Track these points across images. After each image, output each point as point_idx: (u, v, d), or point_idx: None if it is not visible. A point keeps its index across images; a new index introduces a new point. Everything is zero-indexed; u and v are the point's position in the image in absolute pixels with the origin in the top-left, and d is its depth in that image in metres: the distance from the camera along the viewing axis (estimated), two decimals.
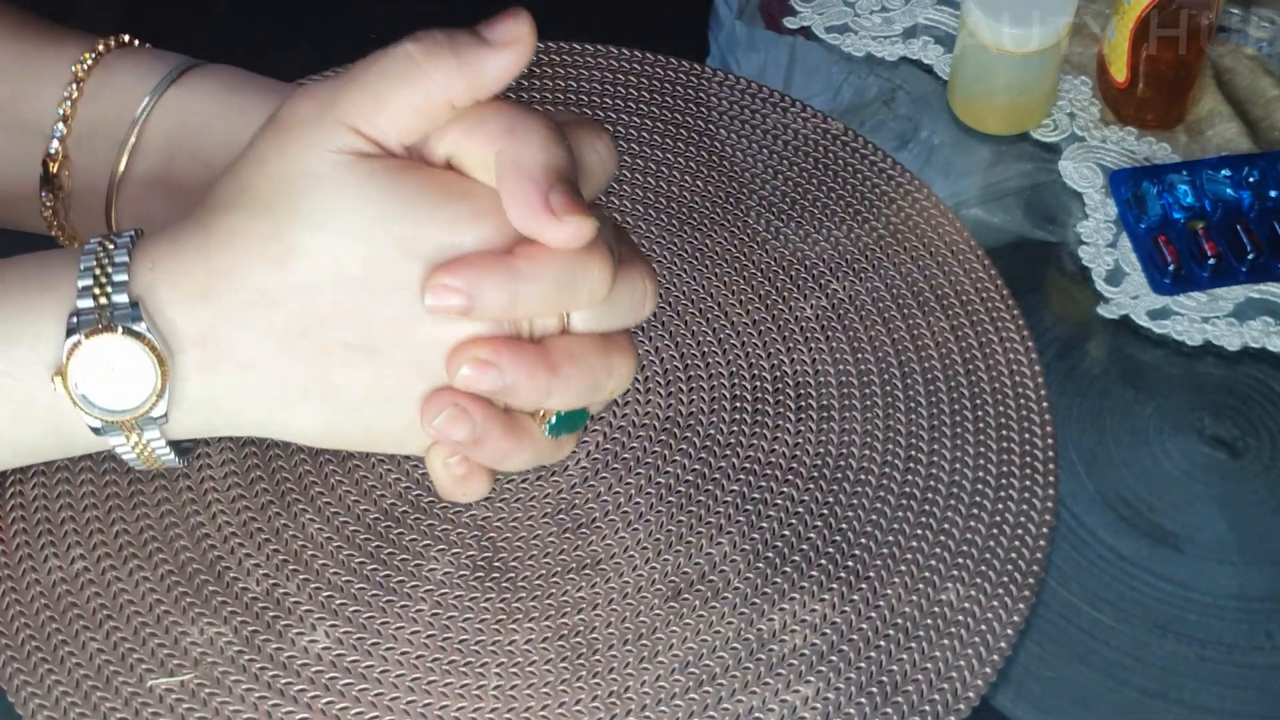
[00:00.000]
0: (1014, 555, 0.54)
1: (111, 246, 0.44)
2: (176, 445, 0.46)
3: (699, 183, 0.65)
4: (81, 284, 0.43)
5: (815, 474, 0.56)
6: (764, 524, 0.54)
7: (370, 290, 0.43)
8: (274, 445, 0.56)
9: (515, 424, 0.45)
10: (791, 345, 0.59)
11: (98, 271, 0.43)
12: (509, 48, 0.44)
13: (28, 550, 0.53)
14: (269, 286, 0.43)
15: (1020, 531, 0.54)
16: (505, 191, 0.42)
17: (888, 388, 0.58)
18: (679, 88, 0.69)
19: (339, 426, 0.45)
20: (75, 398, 0.43)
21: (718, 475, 0.55)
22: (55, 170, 0.52)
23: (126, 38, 0.54)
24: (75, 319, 0.43)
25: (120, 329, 0.43)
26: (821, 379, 0.58)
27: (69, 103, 0.52)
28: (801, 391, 0.58)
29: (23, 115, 0.52)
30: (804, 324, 0.60)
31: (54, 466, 0.54)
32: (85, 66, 0.52)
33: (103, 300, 0.43)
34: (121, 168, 0.51)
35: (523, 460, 0.46)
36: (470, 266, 0.42)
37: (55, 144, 0.52)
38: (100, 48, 0.53)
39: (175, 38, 0.74)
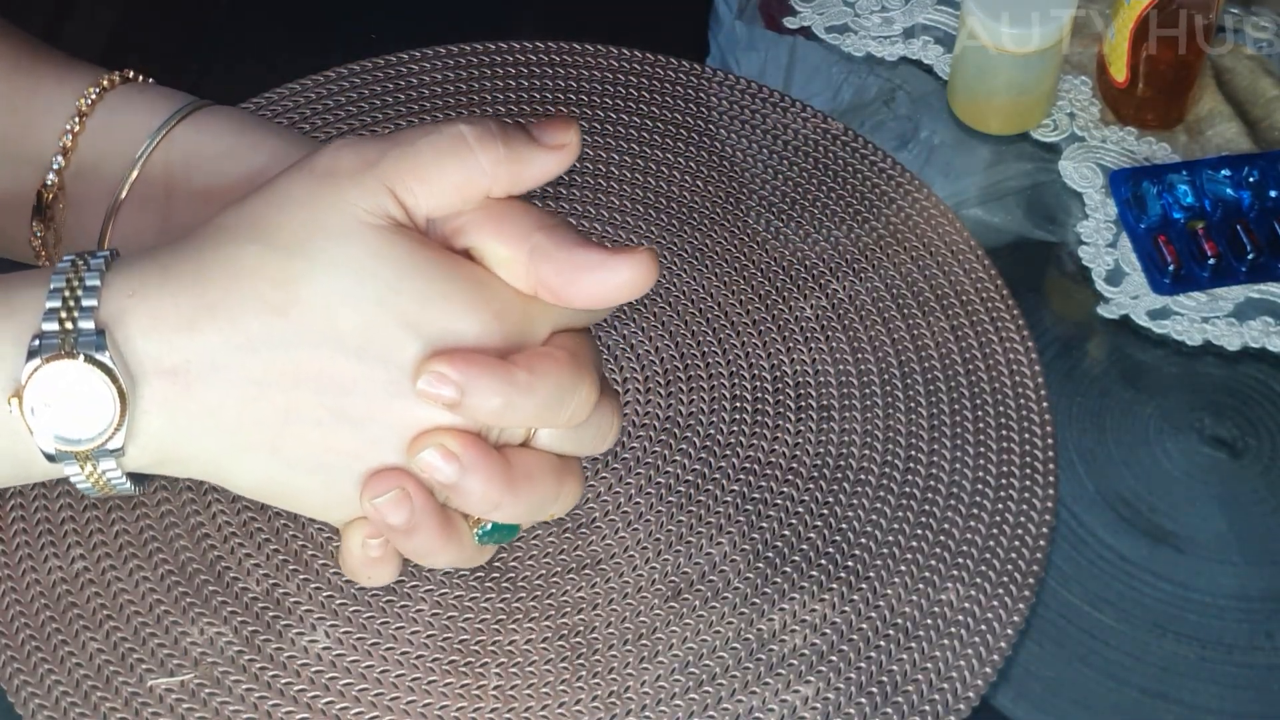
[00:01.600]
0: (1014, 555, 0.54)
1: (84, 267, 0.43)
2: (133, 474, 0.45)
3: (699, 183, 0.65)
4: (49, 305, 0.42)
5: (815, 474, 0.56)
6: (764, 524, 0.54)
7: (361, 358, 0.43)
8: None
9: (450, 523, 0.46)
10: (791, 345, 0.59)
11: (66, 293, 0.42)
12: (556, 151, 0.45)
13: (28, 550, 0.53)
14: (258, 331, 0.42)
15: (1020, 531, 0.54)
16: (561, 261, 0.44)
17: (888, 388, 0.58)
18: (679, 88, 0.69)
19: (276, 485, 0.45)
20: (30, 423, 0.42)
21: (718, 475, 0.56)
22: (49, 201, 0.52)
23: (132, 73, 0.53)
24: (38, 341, 0.42)
25: (82, 356, 0.41)
26: (821, 379, 0.58)
27: (70, 136, 0.51)
28: (801, 391, 0.58)
29: (23, 147, 0.52)
30: (804, 324, 0.60)
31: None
32: (89, 101, 0.52)
33: (68, 325, 0.42)
34: (120, 199, 0.51)
35: (444, 561, 0.47)
36: (471, 363, 0.43)
37: (52, 176, 0.51)
38: (105, 82, 0.52)
39: (174, 39, 0.74)
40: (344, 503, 0.45)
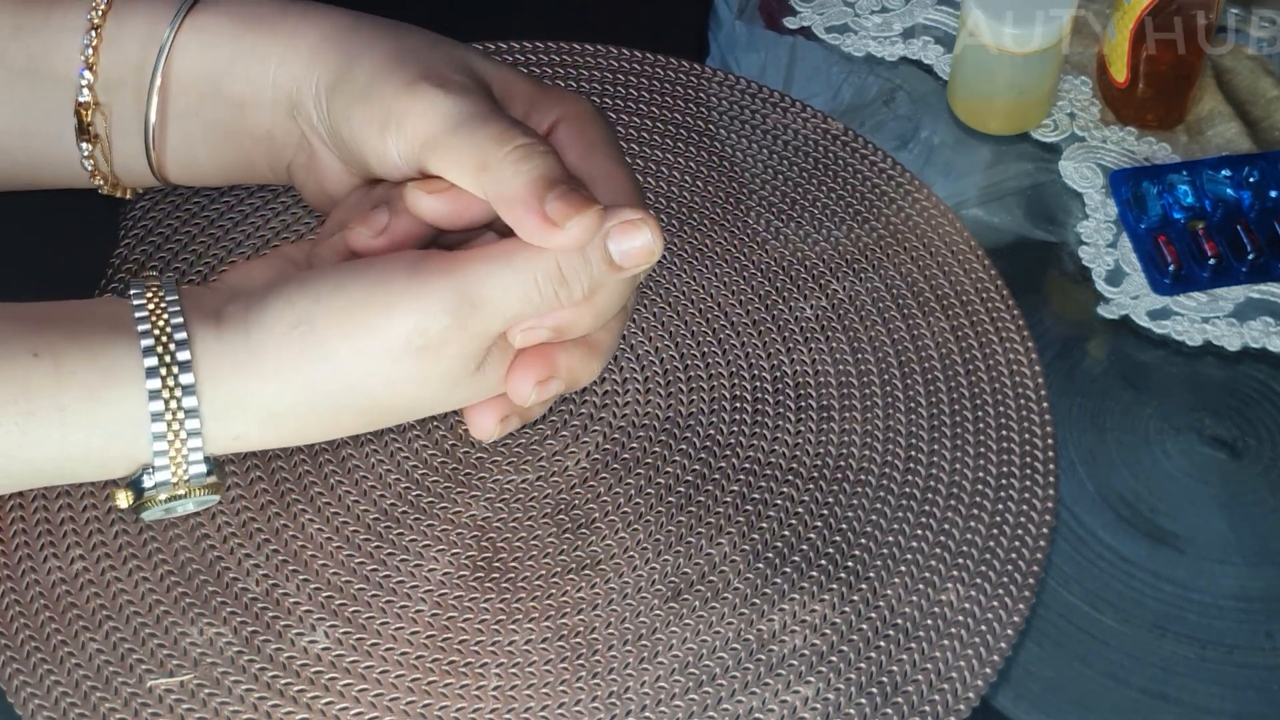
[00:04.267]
0: (1014, 555, 0.54)
1: (169, 356, 0.45)
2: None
3: (699, 183, 0.65)
4: (152, 409, 0.44)
5: (815, 474, 0.56)
6: (764, 524, 0.54)
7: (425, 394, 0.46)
8: None
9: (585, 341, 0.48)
10: (791, 345, 0.59)
11: (166, 395, 0.45)
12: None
13: (27, 551, 0.53)
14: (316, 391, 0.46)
15: (1020, 531, 0.54)
16: (510, 223, 0.45)
17: (888, 388, 0.58)
18: (679, 88, 0.69)
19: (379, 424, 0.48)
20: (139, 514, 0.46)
21: (718, 475, 0.55)
22: (89, 119, 0.52)
23: None
24: (150, 470, 0.45)
25: (194, 491, 0.46)
26: (821, 379, 0.58)
27: (91, 50, 0.52)
28: (801, 391, 0.58)
29: (51, 68, 0.52)
30: (804, 324, 0.60)
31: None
32: (100, 12, 0.52)
33: (178, 459, 0.45)
34: (153, 115, 0.51)
35: (595, 370, 0.49)
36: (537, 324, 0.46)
37: (85, 93, 0.52)
38: None
39: None
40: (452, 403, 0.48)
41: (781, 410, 0.57)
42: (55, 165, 0.53)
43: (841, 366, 0.59)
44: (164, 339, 0.44)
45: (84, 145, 0.52)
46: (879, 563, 0.53)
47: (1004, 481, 0.56)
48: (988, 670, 0.51)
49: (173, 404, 0.44)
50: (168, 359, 0.44)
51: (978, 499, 0.55)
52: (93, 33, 0.51)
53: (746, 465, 0.56)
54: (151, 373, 0.44)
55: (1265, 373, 0.60)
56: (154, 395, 0.44)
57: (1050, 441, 0.57)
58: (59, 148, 0.52)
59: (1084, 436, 0.58)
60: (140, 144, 0.52)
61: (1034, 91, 0.67)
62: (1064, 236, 0.65)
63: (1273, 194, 0.64)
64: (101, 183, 0.53)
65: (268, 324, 0.45)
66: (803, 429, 0.57)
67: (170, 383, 0.44)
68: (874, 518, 0.55)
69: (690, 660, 0.51)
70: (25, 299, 0.46)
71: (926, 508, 0.55)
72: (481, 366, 0.46)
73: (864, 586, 0.53)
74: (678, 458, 0.56)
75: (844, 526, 0.54)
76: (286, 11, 0.51)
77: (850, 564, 0.53)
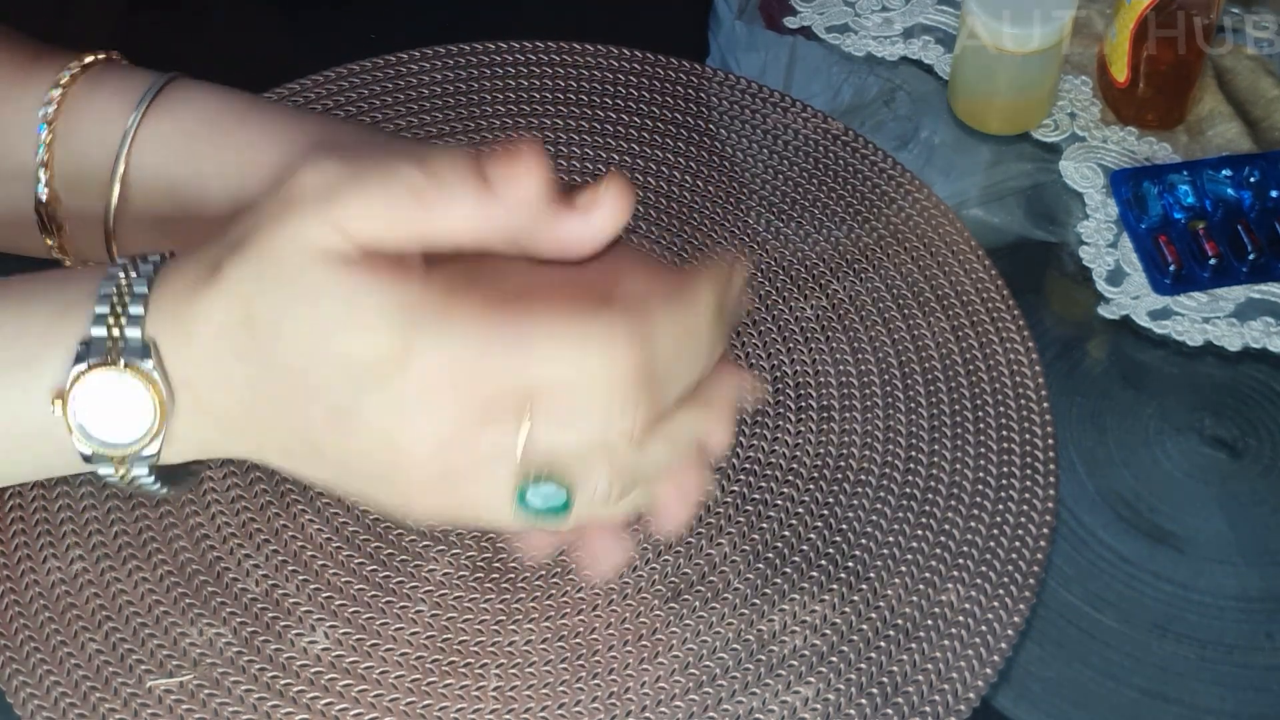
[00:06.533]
0: (1014, 555, 0.54)
1: (134, 275, 0.43)
2: (168, 475, 0.46)
3: (699, 183, 0.65)
4: (98, 310, 0.42)
5: (815, 474, 0.56)
6: (764, 524, 0.54)
7: (308, 391, 0.42)
8: None
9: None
10: (791, 345, 0.59)
11: (115, 300, 0.42)
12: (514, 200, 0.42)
13: (26, 551, 0.53)
14: (237, 343, 0.42)
15: (1020, 532, 0.54)
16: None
17: (888, 388, 0.58)
18: (679, 88, 0.69)
19: (351, 488, 0.44)
20: (70, 423, 0.43)
21: (718, 475, 0.55)
22: (49, 215, 0.52)
23: (89, 59, 0.52)
24: (85, 346, 0.42)
25: (125, 365, 0.42)
26: (821, 379, 0.58)
27: (44, 148, 0.51)
28: (801, 391, 0.58)
29: (7, 163, 0.52)
30: (804, 324, 0.60)
31: None
32: (53, 106, 0.51)
33: (115, 332, 0.42)
34: (114, 204, 0.51)
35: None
36: None
37: (43, 189, 0.51)
38: (64, 79, 0.51)
39: (175, 37, 0.74)
40: (404, 502, 0.44)
41: (781, 410, 0.57)
42: (22, 240, 0.53)
43: (841, 366, 0.59)
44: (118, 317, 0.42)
45: (48, 240, 0.52)
46: (879, 563, 0.53)
47: (1004, 481, 0.56)
48: (988, 670, 0.51)
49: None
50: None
51: (978, 499, 0.55)
52: (46, 128, 0.51)
53: (746, 465, 0.56)
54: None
55: (1266, 373, 0.60)
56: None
57: (1050, 441, 0.57)
58: (23, 231, 0.52)
59: (1084, 436, 0.58)
60: (100, 235, 0.51)
61: (1034, 91, 0.67)
62: (1064, 236, 0.65)
63: (1273, 194, 0.64)
64: (68, 261, 0.53)
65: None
66: (803, 429, 0.57)
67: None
68: (874, 518, 0.54)
69: (690, 661, 0.51)
70: None
71: (926, 508, 0.55)
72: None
73: (864, 587, 0.53)
74: None
75: (844, 527, 0.54)
76: (246, 120, 0.50)
77: (850, 564, 0.53)
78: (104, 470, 0.44)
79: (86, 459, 0.44)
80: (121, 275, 0.43)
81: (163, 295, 0.43)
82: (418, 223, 0.41)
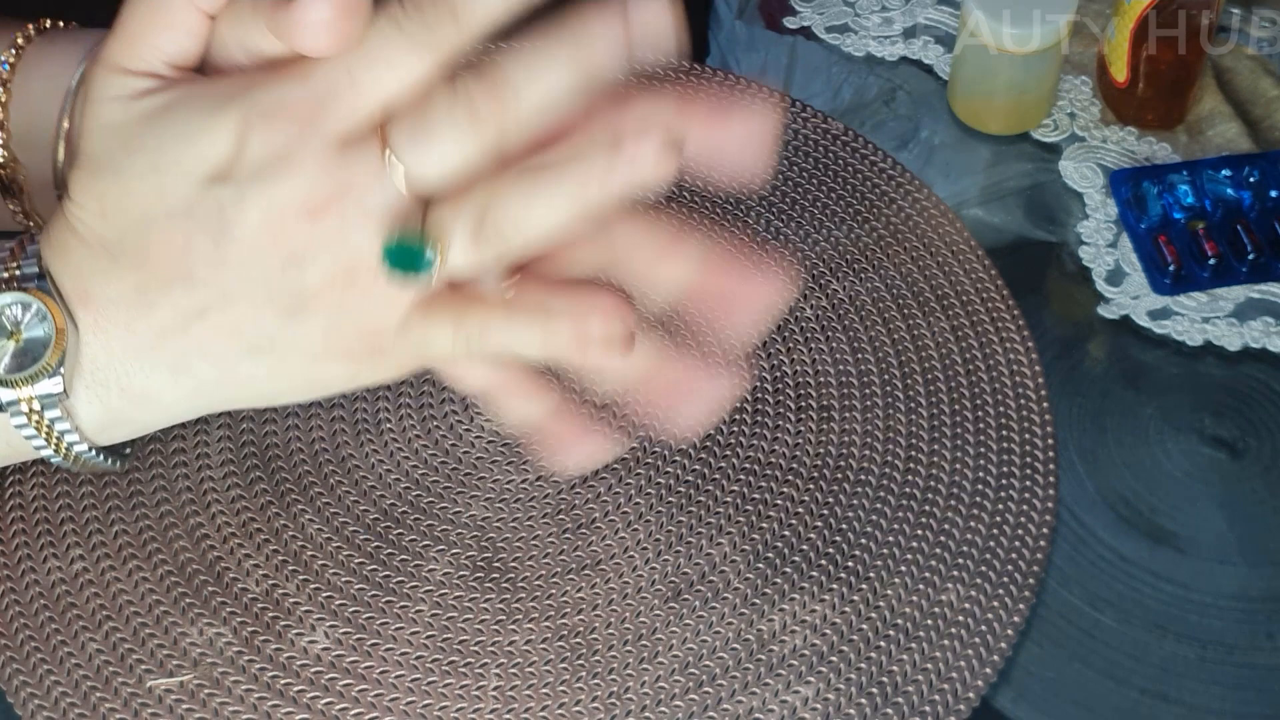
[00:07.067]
0: (1014, 555, 0.54)
1: (36, 215, 0.44)
2: (111, 449, 0.46)
3: (699, 182, 0.65)
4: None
5: (815, 474, 0.56)
6: (764, 524, 0.54)
7: (190, 217, 0.41)
8: (273, 445, 0.56)
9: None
10: (791, 345, 0.59)
11: (14, 246, 0.43)
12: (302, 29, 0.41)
13: (27, 551, 0.53)
14: (104, 238, 0.42)
15: (1020, 531, 0.54)
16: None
17: (888, 388, 0.58)
18: (679, 88, 0.69)
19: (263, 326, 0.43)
20: None
21: (718, 475, 0.55)
22: (8, 177, 0.52)
23: (47, 23, 0.53)
24: None
25: (18, 284, 0.42)
26: (821, 379, 0.58)
27: (0, 108, 0.51)
28: (801, 391, 0.58)
29: None
30: (804, 324, 0.60)
31: (54, 466, 0.54)
32: (7, 66, 0.51)
33: (14, 269, 0.43)
34: (60, 160, 0.51)
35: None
36: None
37: (1, 154, 0.52)
38: (19, 40, 0.52)
39: None
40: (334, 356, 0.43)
41: (781, 410, 0.57)
42: None
43: (841, 366, 0.59)
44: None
45: (11, 204, 0.52)
46: (879, 563, 0.53)
47: (1004, 481, 0.56)
48: (988, 670, 0.51)
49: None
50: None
51: (978, 499, 0.55)
52: (1, 90, 0.51)
53: (746, 465, 0.56)
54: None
55: (1266, 373, 0.60)
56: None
57: (1050, 441, 0.57)
58: None
59: (1084, 436, 0.58)
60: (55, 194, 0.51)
61: (1034, 91, 0.67)
62: (1064, 236, 0.65)
63: (1273, 194, 0.64)
64: (34, 227, 0.53)
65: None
66: (803, 429, 0.57)
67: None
68: (874, 518, 0.54)
69: (690, 660, 0.51)
70: None
71: (926, 508, 0.55)
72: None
73: (864, 587, 0.53)
74: (678, 458, 0.56)
75: (844, 526, 0.54)
76: None
77: (850, 564, 0.53)
78: (17, 423, 0.44)
79: None
80: (23, 234, 0.44)
81: (57, 238, 0.43)
82: (171, 27, 0.42)
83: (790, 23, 0.73)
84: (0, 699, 0.50)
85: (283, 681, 0.50)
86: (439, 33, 0.40)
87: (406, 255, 0.41)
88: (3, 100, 0.51)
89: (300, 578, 0.53)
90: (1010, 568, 0.53)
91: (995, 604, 0.52)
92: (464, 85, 0.40)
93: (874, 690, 0.50)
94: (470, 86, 0.40)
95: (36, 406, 0.43)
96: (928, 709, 0.50)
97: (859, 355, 0.59)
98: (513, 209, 0.41)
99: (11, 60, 0.51)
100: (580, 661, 0.51)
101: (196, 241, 0.41)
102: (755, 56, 0.72)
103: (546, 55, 0.41)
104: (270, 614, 0.52)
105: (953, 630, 0.52)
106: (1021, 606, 0.52)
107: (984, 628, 0.52)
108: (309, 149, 0.40)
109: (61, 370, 0.42)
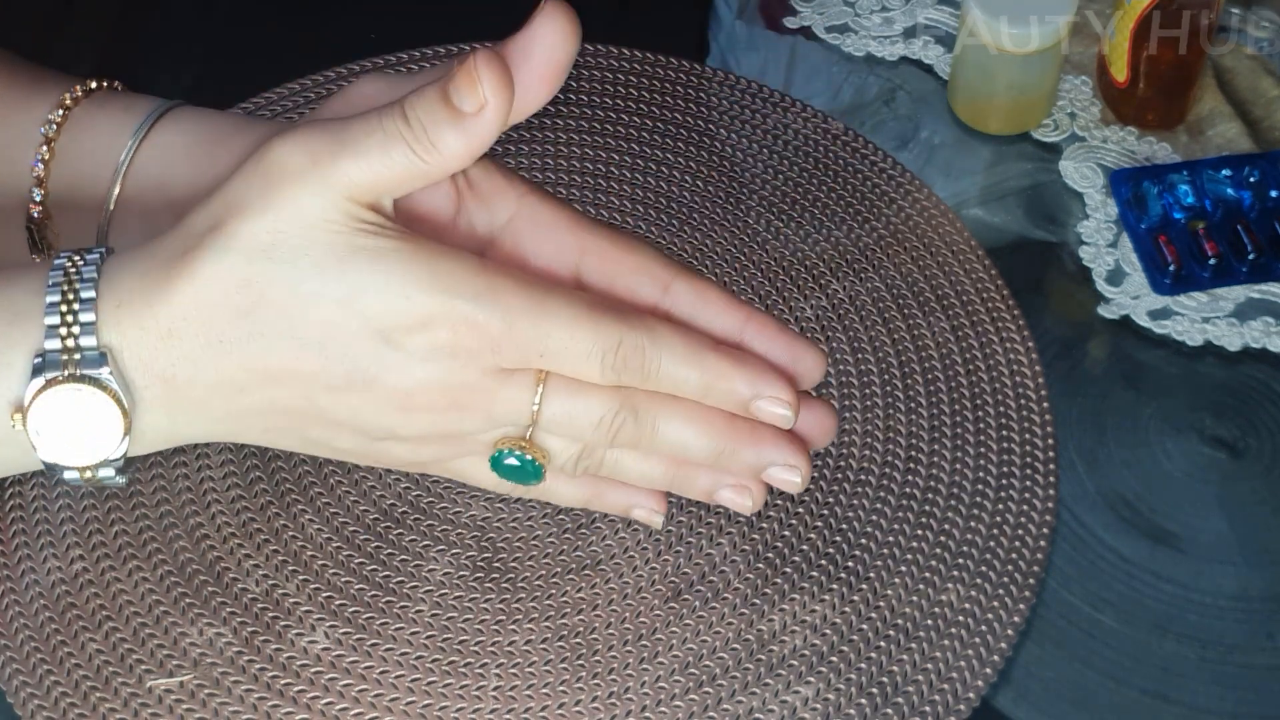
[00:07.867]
0: (1014, 556, 0.54)
1: (77, 276, 0.43)
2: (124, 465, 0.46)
3: (699, 183, 0.65)
4: (48, 322, 0.43)
5: (815, 474, 0.56)
6: (764, 524, 0.54)
7: (322, 353, 0.43)
8: None
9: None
10: None
11: (64, 308, 0.43)
12: (474, 122, 0.43)
13: (27, 551, 0.53)
14: (229, 334, 0.43)
15: (1020, 532, 0.54)
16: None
17: (888, 388, 0.58)
18: (679, 88, 0.69)
19: (340, 445, 0.47)
20: (34, 441, 0.43)
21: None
22: (40, 232, 0.52)
23: (93, 84, 0.53)
24: (41, 359, 0.43)
25: (86, 380, 0.43)
26: (822, 379, 0.58)
27: (41, 165, 0.51)
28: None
29: (2, 181, 0.52)
30: (804, 324, 0.60)
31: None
32: (54, 125, 0.51)
33: (69, 342, 0.42)
34: (108, 220, 0.51)
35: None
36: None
37: (36, 209, 0.51)
38: (69, 100, 0.52)
39: (175, 37, 0.74)
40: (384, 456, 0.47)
41: None
42: (11, 257, 0.53)
43: (841, 366, 0.59)
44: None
45: (36, 259, 0.52)
46: (879, 563, 0.53)
47: (1004, 481, 0.56)
48: (988, 670, 0.51)
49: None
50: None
51: (978, 499, 0.55)
52: (45, 147, 0.51)
53: None
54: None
55: (1266, 373, 0.60)
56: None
57: (1050, 441, 0.57)
58: (14, 249, 0.52)
59: (1084, 436, 0.58)
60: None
61: (1034, 91, 0.67)
62: (1064, 236, 0.65)
63: (1273, 194, 0.64)
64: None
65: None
66: None
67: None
68: (874, 518, 0.54)
69: (690, 660, 0.51)
70: None
71: (926, 508, 0.55)
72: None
73: (864, 587, 0.53)
74: None
75: (844, 526, 0.54)
76: (243, 131, 0.51)
77: (850, 564, 0.53)
78: (69, 476, 0.45)
79: (50, 468, 0.44)
80: (64, 279, 0.43)
81: (114, 295, 0.43)
82: (411, 167, 0.43)
83: (790, 23, 0.73)
84: (0, 699, 0.50)
85: (283, 681, 0.50)
86: (626, 379, 0.45)
87: (519, 469, 0.47)
88: (46, 158, 0.51)
89: (300, 578, 0.53)
90: (1010, 568, 0.53)
91: (995, 604, 0.52)
92: (628, 401, 0.46)
93: (874, 690, 0.50)
94: (631, 402, 0.46)
95: (89, 475, 0.45)
96: (928, 709, 0.50)
97: (859, 355, 0.59)
98: (614, 461, 0.48)
99: (59, 121, 0.51)
100: (580, 661, 0.51)
101: (332, 373, 0.43)
102: (755, 56, 0.72)
103: (701, 418, 0.47)
104: (270, 614, 0.52)
105: (953, 630, 0.52)
106: (1021, 606, 0.52)
107: (984, 628, 0.52)
108: (477, 364, 0.44)
109: (124, 449, 0.44)
